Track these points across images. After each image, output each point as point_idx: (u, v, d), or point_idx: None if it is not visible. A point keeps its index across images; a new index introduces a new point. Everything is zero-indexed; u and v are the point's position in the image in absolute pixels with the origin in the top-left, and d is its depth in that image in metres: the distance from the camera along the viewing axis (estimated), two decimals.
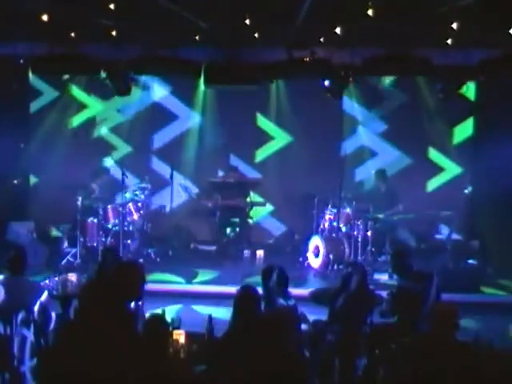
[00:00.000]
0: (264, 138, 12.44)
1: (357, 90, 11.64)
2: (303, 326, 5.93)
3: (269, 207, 12.31)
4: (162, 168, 12.24)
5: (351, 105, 12.07)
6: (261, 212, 12.31)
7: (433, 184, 12.18)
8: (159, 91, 12.31)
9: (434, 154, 12.13)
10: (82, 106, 12.35)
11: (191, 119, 12.39)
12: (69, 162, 11.50)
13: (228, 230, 11.55)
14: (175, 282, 9.73)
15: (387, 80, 11.82)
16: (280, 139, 12.43)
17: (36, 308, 6.07)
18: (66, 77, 11.79)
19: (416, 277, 6.64)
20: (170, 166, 11.55)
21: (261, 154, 12.47)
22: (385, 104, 11.93)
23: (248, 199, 11.58)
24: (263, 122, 12.41)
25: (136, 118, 12.24)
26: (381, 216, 10.66)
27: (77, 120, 12.36)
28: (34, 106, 12.27)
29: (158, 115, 12.30)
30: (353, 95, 11.81)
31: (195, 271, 10.22)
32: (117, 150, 12.27)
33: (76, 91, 12.19)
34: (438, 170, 12.15)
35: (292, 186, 11.86)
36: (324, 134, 11.92)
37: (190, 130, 12.38)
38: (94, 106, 12.39)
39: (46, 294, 6.25)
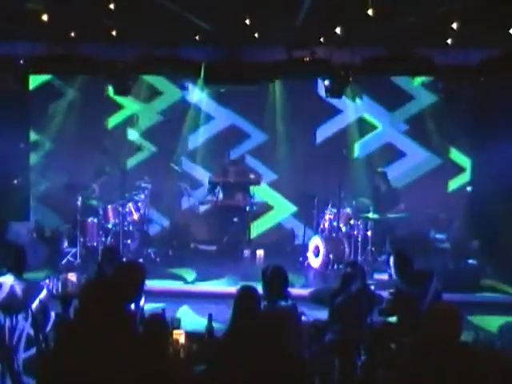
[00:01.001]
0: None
1: (379, 91, 11.70)
2: (303, 326, 5.93)
3: (292, 208, 12.38)
4: (193, 169, 12.43)
5: (370, 105, 12.18)
6: (284, 213, 12.31)
7: (454, 184, 12.27)
8: (196, 93, 12.30)
9: (455, 154, 12.21)
10: (118, 107, 12.39)
11: (227, 120, 12.46)
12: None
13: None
14: (175, 282, 9.74)
15: (417, 81, 11.82)
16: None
17: (35, 305, 6.06)
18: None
19: (415, 279, 6.63)
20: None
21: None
22: (411, 105, 11.91)
23: (248, 198, 11.58)
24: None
25: (174, 119, 12.32)
26: (381, 216, 10.66)
27: (113, 121, 12.41)
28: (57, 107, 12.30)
29: (195, 116, 12.34)
30: (374, 96, 11.93)
31: (195, 271, 10.22)
32: (142, 150, 12.33)
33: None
34: (459, 170, 12.24)
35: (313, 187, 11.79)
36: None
37: (228, 130, 12.46)
38: (130, 106, 12.42)
39: (45, 291, 6.25)
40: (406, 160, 12.32)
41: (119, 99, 12.27)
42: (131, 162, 12.24)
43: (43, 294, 6.19)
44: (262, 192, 12.15)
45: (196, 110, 12.39)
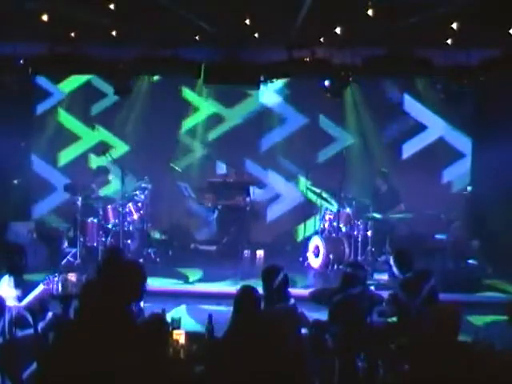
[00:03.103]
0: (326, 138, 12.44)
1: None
2: (303, 327, 5.93)
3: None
4: (261, 173, 12.44)
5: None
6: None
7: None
8: (268, 95, 12.26)
9: None
10: (194, 109, 12.44)
11: (299, 122, 12.39)
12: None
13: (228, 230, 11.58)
14: (175, 282, 9.74)
15: None
16: (343, 140, 12.39)
17: (29, 300, 6.08)
18: (156, 77, 11.61)
19: (413, 283, 6.66)
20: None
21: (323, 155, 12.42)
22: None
23: (248, 199, 11.57)
24: (326, 122, 12.40)
25: (246, 122, 12.35)
26: (380, 216, 10.66)
27: (188, 123, 12.43)
28: (97, 108, 12.37)
29: (266, 119, 12.34)
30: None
31: (195, 271, 10.22)
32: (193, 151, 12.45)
33: (188, 94, 12.24)
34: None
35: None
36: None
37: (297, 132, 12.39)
38: (206, 109, 12.46)
39: (41, 286, 6.25)
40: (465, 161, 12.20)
41: (195, 101, 12.35)
42: (182, 163, 12.32)
43: (39, 289, 6.19)
44: None
45: (269, 112, 12.38)
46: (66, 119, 12.48)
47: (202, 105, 12.47)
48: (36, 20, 8.59)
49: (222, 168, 12.19)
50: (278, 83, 11.65)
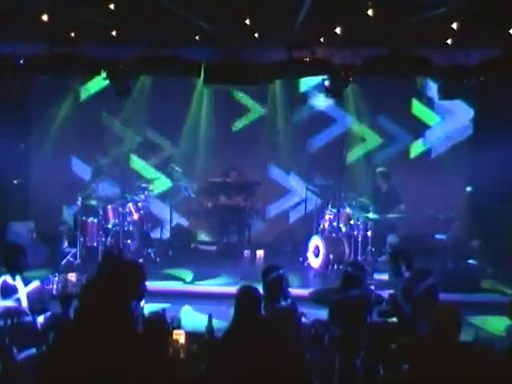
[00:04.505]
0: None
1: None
2: (303, 321, 5.94)
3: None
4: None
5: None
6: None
7: None
8: (319, 98, 12.25)
9: None
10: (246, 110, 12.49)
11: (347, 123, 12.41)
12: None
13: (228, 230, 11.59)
14: (175, 282, 9.74)
15: None
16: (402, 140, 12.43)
17: (29, 290, 6.09)
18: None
19: (410, 288, 6.66)
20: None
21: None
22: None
23: (248, 199, 11.57)
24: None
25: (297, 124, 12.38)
26: (381, 216, 10.66)
27: (240, 123, 12.48)
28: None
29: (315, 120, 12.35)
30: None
31: (195, 271, 10.22)
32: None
33: (240, 95, 12.29)
34: None
35: None
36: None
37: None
38: (257, 110, 12.50)
39: (37, 282, 6.26)
40: None
41: (247, 102, 12.40)
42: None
43: (35, 284, 6.20)
44: None
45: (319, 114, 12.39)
46: (108, 121, 12.44)
47: (253, 107, 12.50)
48: (36, 20, 8.58)
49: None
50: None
